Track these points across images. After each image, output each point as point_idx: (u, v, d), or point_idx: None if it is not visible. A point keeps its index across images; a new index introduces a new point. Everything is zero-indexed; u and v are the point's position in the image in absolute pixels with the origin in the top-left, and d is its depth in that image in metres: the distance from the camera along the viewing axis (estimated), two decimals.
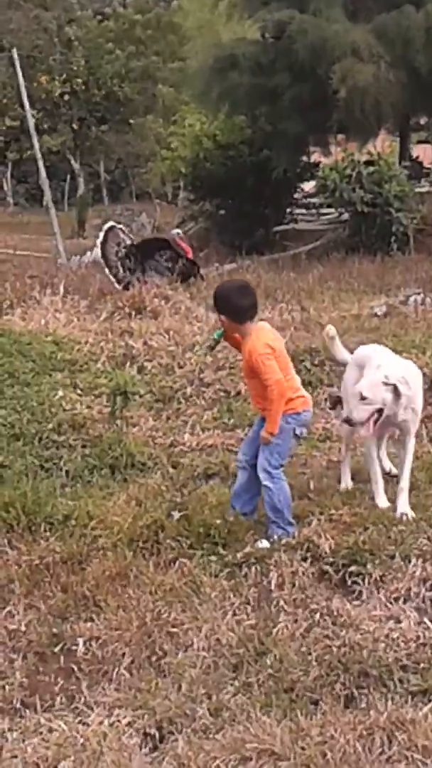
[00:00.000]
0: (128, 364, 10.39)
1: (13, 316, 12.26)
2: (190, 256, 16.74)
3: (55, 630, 5.89)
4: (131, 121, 41.56)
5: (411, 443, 7.38)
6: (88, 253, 23.10)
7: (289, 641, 5.66)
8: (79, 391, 9.58)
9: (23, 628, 5.94)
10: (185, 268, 16.18)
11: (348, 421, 7.36)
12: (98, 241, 16.57)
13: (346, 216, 22.97)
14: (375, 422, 7.08)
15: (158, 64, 39.63)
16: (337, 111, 21.70)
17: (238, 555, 6.55)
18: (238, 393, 9.82)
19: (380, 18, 22.44)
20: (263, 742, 4.72)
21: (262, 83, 23.13)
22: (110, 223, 16.96)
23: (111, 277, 15.41)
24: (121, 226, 17.14)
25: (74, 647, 5.74)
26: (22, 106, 25.47)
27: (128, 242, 16.41)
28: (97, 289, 14.07)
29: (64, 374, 9.95)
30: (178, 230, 17.92)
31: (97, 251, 16.87)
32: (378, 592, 6.15)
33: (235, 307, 7.04)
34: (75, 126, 39.94)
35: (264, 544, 6.75)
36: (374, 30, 22.12)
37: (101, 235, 16.37)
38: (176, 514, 6.98)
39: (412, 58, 21.77)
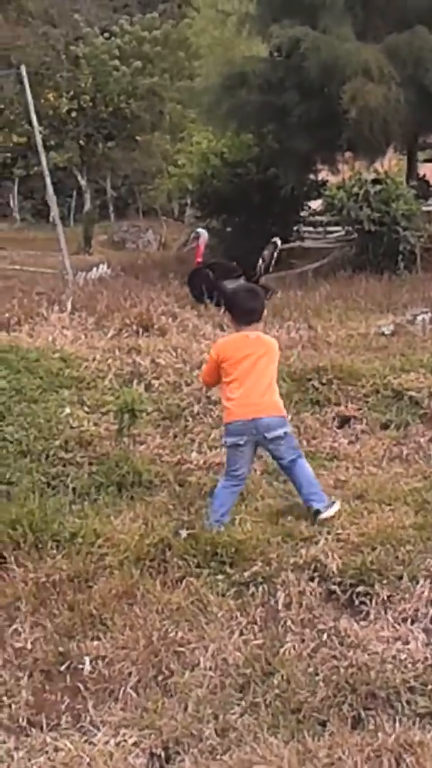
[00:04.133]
0: (135, 381, 10.36)
1: (21, 333, 12.24)
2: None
3: (61, 648, 5.88)
4: (138, 137, 41.56)
5: None
6: (95, 269, 23.11)
7: (296, 661, 5.65)
8: (86, 409, 9.56)
9: (29, 646, 5.93)
10: None
11: None
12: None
13: (353, 234, 22.95)
14: None
15: (165, 82, 39.65)
16: (346, 130, 21.70)
17: (246, 574, 6.54)
18: None
19: (391, 38, 22.44)
20: (270, 763, 4.71)
21: (270, 101, 23.11)
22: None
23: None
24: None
25: (80, 666, 5.74)
26: (29, 122, 25.49)
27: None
28: (104, 306, 14.05)
29: (71, 391, 9.93)
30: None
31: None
32: (385, 613, 6.15)
33: (234, 308, 7.85)
34: (82, 142, 39.92)
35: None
36: (385, 49, 22.12)
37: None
38: (183, 533, 6.98)
39: (423, 77, 21.77)
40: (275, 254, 16.82)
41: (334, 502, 7.41)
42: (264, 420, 7.36)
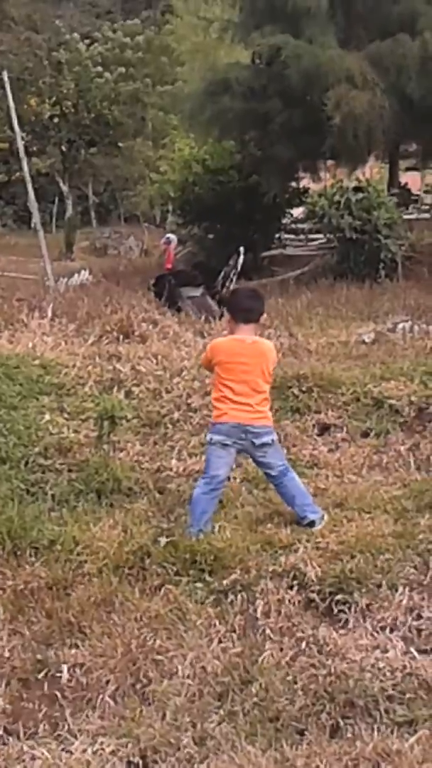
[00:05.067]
0: (116, 388, 10.34)
1: (1, 339, 12.20)
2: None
3: (39, 656, 5.84)
4: (120, 144, 41.58)
5: None
6: (76, 276, 23.07)
7: (274, 670, 5.62)
8: (66, 415, 9.53)
9: (7, 654, 5.89)
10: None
11: None
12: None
13: (334, 242, 23.00)
14: None
15: (148, 88, 39.70)
16: (329, 137, 21.77)
17: (225, 582, 6.52)
18: None
19: (374, 46, 22.53)
20: None
21: (253, 108, 23.19)
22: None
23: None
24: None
25: (58, 674, 5.70)
26: (11, 127, 25.48)
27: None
28: (85, 313, 14.03)
29: (51, 398, 9.90)
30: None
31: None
32: (364, 621, 6.14)
33: (233, 305, 7.80)
34: (64, 148, 39.93)
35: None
36: (368, 57, 22.20)
37: None
38: (162, 540, 6.96)
39: (405, 85, 21.85)
40: (239, 265, 16.80)
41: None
42: (254, 427, 7.41)
